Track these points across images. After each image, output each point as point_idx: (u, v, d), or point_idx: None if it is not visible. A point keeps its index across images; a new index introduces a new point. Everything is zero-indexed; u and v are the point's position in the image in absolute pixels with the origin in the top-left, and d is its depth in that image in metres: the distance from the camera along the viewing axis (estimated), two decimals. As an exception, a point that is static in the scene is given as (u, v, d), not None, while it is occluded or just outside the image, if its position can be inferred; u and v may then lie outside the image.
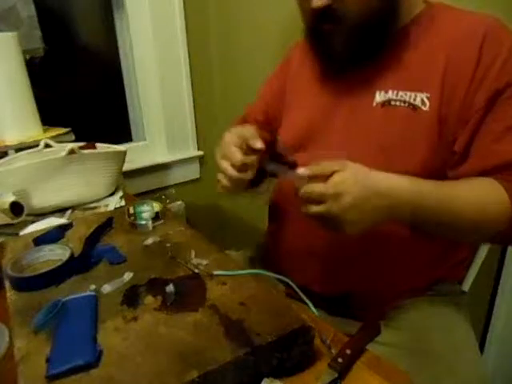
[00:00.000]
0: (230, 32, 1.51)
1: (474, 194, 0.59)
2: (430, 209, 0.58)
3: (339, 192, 0.52)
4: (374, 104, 0.67)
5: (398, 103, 0.65)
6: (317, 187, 0.53)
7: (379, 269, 0.71)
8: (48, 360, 0.42)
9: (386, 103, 0.66)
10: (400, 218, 0.59)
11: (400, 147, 0.65)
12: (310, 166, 0.55)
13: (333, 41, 0.66)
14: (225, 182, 0.66)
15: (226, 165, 0.64)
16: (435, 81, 0.63)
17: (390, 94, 0.66)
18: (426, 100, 0.63)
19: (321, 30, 0.66)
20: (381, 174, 0.56)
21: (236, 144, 0.63)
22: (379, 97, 0.67)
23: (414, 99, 0.64)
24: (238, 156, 0.62)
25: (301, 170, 0.56)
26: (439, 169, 0.64)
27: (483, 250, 0.82)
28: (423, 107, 0.63)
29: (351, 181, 0.53)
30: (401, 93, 0.65)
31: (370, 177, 0.55)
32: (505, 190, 0.58)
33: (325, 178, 0.53)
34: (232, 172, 0.63)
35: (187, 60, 1.53)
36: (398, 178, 0.57)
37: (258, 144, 0.61)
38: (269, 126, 0.88)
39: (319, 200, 0.53)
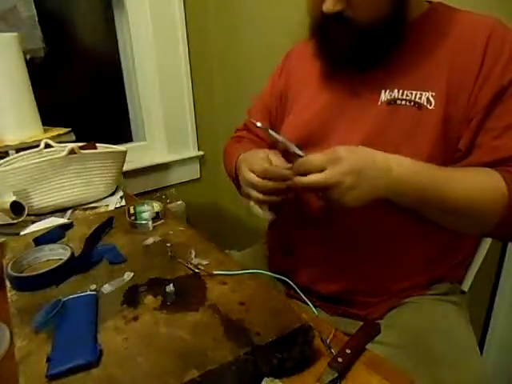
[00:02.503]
0: (230, 32, 1.51)
1: (472, 179, 0.60)
2: (427, 187, 0.59)
3: (338, 157, 0.56)
4: (380, 103, 0.67)
5: (403, 102, 0.65)
6: (315, 156, 0.57)
7: (379, 268, 0.71)
8: (48, 359, 0.42)
9: (392, 102, 0.66)
10: (397, 194, 0.60)
11: (404, 145, 0.65)
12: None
13: (339, 42, 0.66)
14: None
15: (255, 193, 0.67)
16: (440, 79, 0.63)
17: (396, 93, 0.66)
18: (431, 99, 0.63)
19: (328, 30, 0.66)
20: (380, 153, 0.60)
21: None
22: (385, 95, 0.67)
23: (420, 98, 0.64)
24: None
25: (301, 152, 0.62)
26: (442, 166, 0.64)
27: (483, 250, 0.82)
28: (429, 106, 0.63)
29: (348, 150, 0.57)
30: (406, 91, 0.65)
31: (366, 149, 0.59)
32: (504, 180, 0.58)
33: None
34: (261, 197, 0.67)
35: (187, 60, 1.53)
36: (396, 155, 0.60)
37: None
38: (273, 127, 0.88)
39: (319, 170, 0.57)
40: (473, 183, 0.59)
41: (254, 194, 0.67)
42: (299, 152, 0.62)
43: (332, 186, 0.56)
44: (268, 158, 0.68)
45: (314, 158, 0.58)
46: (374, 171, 0.57)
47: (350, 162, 0.56)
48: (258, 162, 0.68)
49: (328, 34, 0.67)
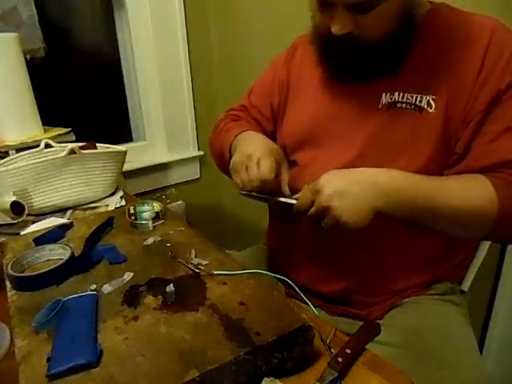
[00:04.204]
0: (230, 32, 1.51)
1: (462, 188, 0.60)
2: (417, 197, 0.60)
3: (320, 186, 0.60)
4: (380, 106, 0.67)
5: (404, 105, 0.65)
6: (303, 197, 0.62)
7: (379, 268, 0.71)
8: (49, 359, 0.42)
9: (392, 105, 0.66)
10: (388, 206, 0.61)
11: (404, 148, 0.65)
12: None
13: (343, 55, 0.65)
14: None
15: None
16: (441, 82, 0.63)
17: (396, 96, 0.66)
18: (432, 102, 0.63)
19: (332, 44, 0.65)
20: (361, 169, 0.62)
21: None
22: (385, 99, 0.67)
23: (420, 101, 0.64)
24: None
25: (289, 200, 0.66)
26: (440, 169, 0.64)
27: (483, 250, 0.82)
28: (429, 109, 0.63)
29: (330, 175, 0.61)
30: (407, 95, 0.65)
31: (349, 170, 0.62)
32: (493, 187, 0.59)
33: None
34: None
35: (187, 60, 1.53)
36: (385, 168, 0.62)
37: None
38: (274, 117, 0.87)
39: (310, 206, 0.61)
40: (462, 192, 0.60)
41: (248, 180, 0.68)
42: (291, 201, 0.66)
43: (324, 213, 0.60)
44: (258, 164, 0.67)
45: (304, 197, 0.63)
46: (360, 188, 0.60)
47: (333, 186, 0.59)
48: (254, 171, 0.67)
49: (332, 47, 0.66)
